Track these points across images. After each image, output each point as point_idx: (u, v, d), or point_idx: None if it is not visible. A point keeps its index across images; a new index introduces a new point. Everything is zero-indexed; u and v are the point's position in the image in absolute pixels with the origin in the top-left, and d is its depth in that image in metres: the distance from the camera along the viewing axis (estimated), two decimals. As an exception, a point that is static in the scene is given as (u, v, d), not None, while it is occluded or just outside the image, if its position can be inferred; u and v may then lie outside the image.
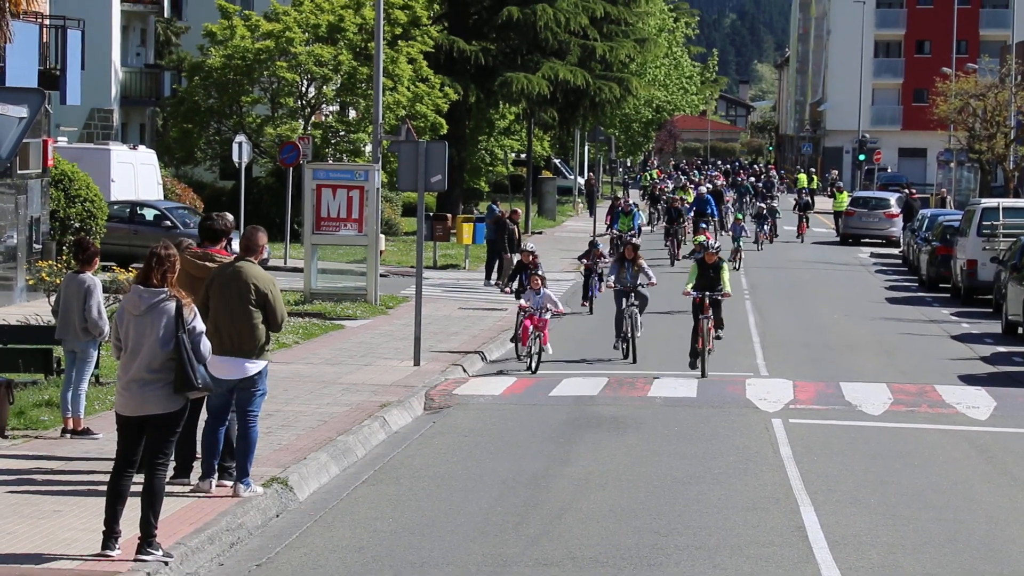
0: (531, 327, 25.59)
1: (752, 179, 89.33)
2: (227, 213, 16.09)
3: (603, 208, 74.38)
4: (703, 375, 24.74)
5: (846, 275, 48.87)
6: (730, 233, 51.02)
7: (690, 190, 66.07)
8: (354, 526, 14.46)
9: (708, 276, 25.96)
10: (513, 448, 18.64)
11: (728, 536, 14.29)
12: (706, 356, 25.15)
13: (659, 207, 67.54)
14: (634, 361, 26.62)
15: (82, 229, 34.20)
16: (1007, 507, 16.08)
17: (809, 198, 68.95)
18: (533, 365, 25.32)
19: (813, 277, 46.85)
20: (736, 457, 18.36)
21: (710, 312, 25.61)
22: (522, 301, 26.66)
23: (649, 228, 53.69)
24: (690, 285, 25.97)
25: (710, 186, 67.82)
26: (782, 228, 63.02)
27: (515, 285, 30.04)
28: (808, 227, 64.03)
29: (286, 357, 25.07)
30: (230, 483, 14.81)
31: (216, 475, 14.84)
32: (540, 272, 27.41)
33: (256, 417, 14.83)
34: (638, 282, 27.53)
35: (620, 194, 62.43)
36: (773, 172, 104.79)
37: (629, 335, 27.07)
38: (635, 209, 47.69)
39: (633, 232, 44.32)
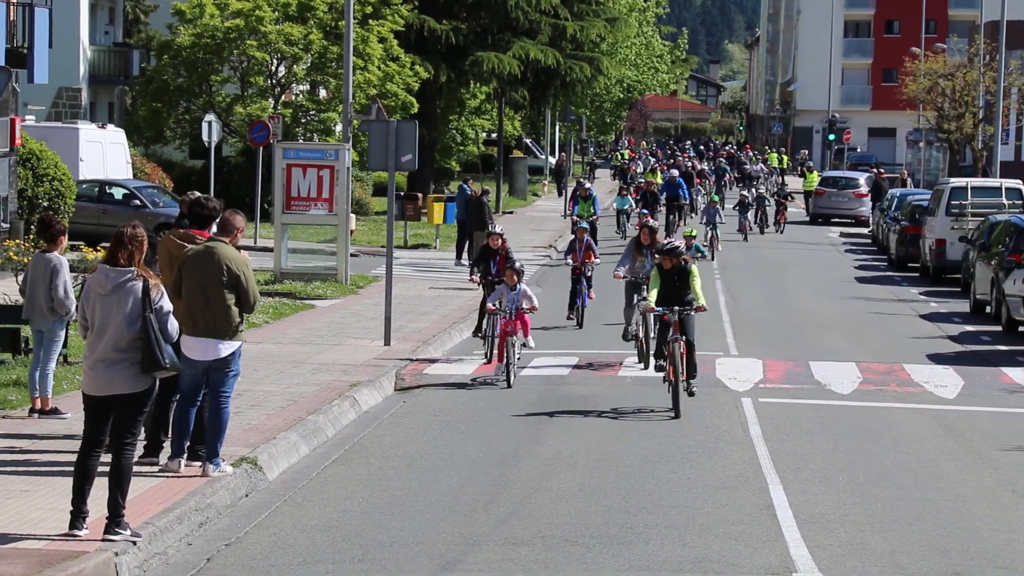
0: (508, 335, 21.94)
1: (724, 160, 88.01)
2: (212, 197, 15.98)
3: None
4: (676, 415, 19.61)
5: (816, 254, 48.98)
6: (703, 218, 48.10)
7: (659, 172, 63.71)
8: (324, 506, 14.45)
9: (673, 285, 20.24)
10: (483, 427, 18.64)
11: (697, 515, 14.32)
12: (680, 391, 19.74)
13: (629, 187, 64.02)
14: (646, 367, 23.02)
15: (50, 208, 34.04)
16: (974, 485, 16.16)
17: (780, 178, 68.43)
18: (511, 379, 21.68)
19: (783, 256, 46.94)
20: (705, 436, 18.40)
21: (680, 333, 20.02)
22: (490, 303, 22.76)
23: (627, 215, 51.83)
24: (652, 297, 20.31)
25: (677, 170, 65.73)
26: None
27: (478, 275, 25.07)
28: (786, 215, 58.16)
29: (256, 337, 25.02)
30: (199, 463, 14.77)
31: (185, 455, 14.81)
32: (516, 264, 23.16)
33: (228, 398, 14.80)
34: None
35: (583, 179, 60.85)
36: (749, 153, 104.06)
37: (643, 337, 23.28)
38: (593, 194, 44.84)
39: (594, 217, 42.74)
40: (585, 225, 29.23)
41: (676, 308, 20.04)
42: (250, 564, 12.43)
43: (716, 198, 48.42)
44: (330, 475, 15.84)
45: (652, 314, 21.43)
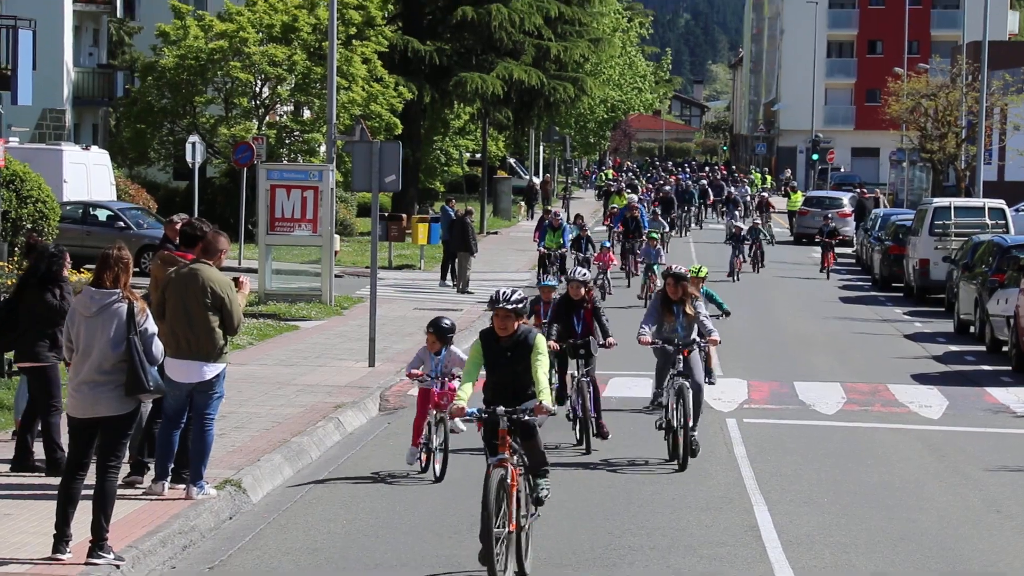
0: (431, 409, 16.86)
1: (705, 182, 78.19)
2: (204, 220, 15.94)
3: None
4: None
5: (800, 274, 49.04)
6: (640, 258, 39.56)
7: (625, 195, 56.03)
8: (308, 528, 14.42)
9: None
10: (466, 448, 18.61)
11: (682, 536, 14.32)
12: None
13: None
14: (682, 468, 17.40)
15: (34, 230, 33.96)
16: (959, 506, 16.17)
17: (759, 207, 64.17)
18: (438, 469, 16.68)
19: (767, 276, 46.98)
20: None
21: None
22: (409, 367, 17.39)
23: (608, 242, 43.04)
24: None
25: (638, 196, 58.30)
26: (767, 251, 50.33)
27: (554, 337, 18.58)
28: (835, 257, 49.01)
29: (240, 358, 24.98)
30: (183, 486, 14.74)
31: (169, 477, 14.77)
32: (444, 323, 17.36)
33: (212, 420, 14.77)
34: (694, 337, 18.31)
35: (553, 207, 53.70)
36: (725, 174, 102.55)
37: (676, 426, 17.60)
38: (564, 223, 40.85)
39: (563, 249, 39.58)
40: (553, 283, 21.51)
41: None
42: (234, 587, 12.39)
43: (655, 235, 40.36)
44: (314, 497, 15.80)
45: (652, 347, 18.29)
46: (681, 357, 17.89)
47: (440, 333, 17.17)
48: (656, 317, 18.36)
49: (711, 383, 21.95)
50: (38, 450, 15.85)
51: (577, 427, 18.90)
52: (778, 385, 24.59)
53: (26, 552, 12.37)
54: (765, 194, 69.35)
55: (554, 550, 13.67)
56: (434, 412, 16.82)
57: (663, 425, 17.90)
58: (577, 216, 43.89)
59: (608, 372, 25.28)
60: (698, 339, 18.22)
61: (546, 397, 12.62)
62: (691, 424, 17.43)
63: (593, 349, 18.82)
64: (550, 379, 15.72)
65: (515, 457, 12.46)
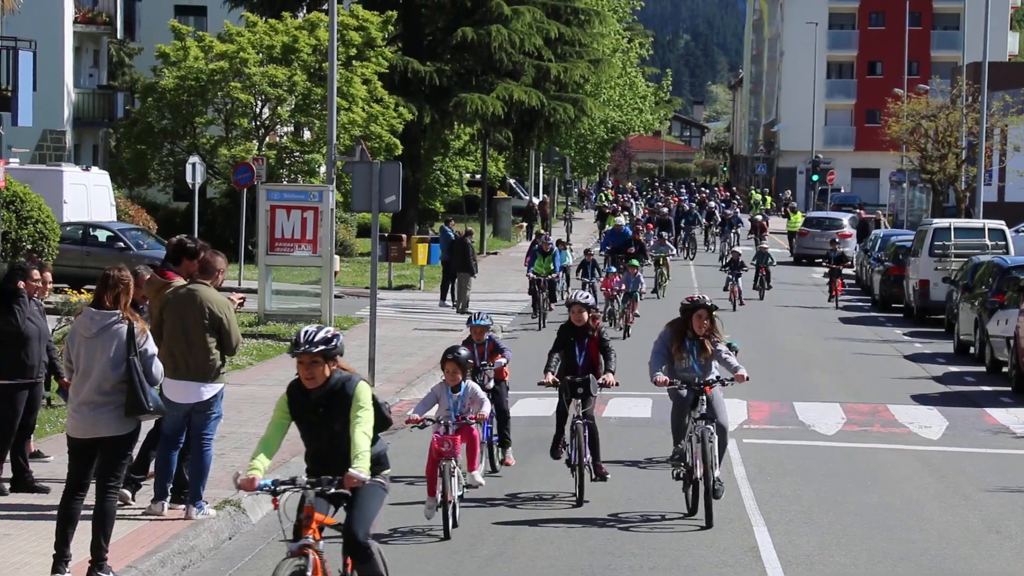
0: (442, 458, 14.94)
1: (695, 204, 77.11)
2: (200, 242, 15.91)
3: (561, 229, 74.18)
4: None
5: (799, 295, 49.04)
6: (618, 290, 36.41)
7: (617, 216, 55.99)
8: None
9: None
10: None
11: (682, 556, 14.30)
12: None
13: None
14: (708, 525, 15.41)
15: (34, 251, 34.00)
16: (959, 526, 16.16)
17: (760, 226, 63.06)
18: (449, 525, 14.87)
19: (766, 297, 46.98)
20: (690, 477, 18.36)
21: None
22: (417, 409, 15.49)
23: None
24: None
25: (631, 215, 57.20)
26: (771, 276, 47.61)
27: (553, 372, 16.78)
28: (844, 285, 47.05)
29: (240, 379, 24.98)
30: (183, 506, 14.73)
31: (168, 498, 14.77)
32: (461, 354, 15.67)
33: (210, 440, 14.77)
34: (714, 377, 15.98)
35: (549, 228, 51.61)
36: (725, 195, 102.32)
37: (697, 477, 15.60)
38: (555, 248, 38.85)
39: (554, 275, 38.01)
40: (486, 322, 18.17)
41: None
42: (233, 608, 12.36)
43: (635, 262, 38.18)
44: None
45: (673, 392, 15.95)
46: (704, 398, 15.66)
47: (461, 363, 15.46)
48: (666, 354, 15.91)
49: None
50: (35, 469, 15.85)
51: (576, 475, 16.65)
52: (778, 405, 24.58)
53: (26, 572, 12.37)
54: (759, 217, 68.90)
55: (554, 569, 13.66)
56: (441, 462, 14.84)
57: (681, 475, 15.88)
58: (559, 241, 41.77)
59: (607, 393, 25.20)
60: (721, 375, 15.99)
61: (361, 463, 9.93)
62: (714, 469, 15.47)
63: (593, 389, 16.68)
64: (559, 425, 15.66)
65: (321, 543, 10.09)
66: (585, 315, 16.64)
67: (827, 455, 20.42)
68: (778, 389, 27.04)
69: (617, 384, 16.72)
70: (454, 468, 14.99)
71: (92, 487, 12.47)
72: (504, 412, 18.13)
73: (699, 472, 15.42)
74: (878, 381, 28.83)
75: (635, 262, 38.13)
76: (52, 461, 16.95)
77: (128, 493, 14.93)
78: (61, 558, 12.20)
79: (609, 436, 21.29)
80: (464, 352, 15.68)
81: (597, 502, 16.77)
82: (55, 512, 12.48)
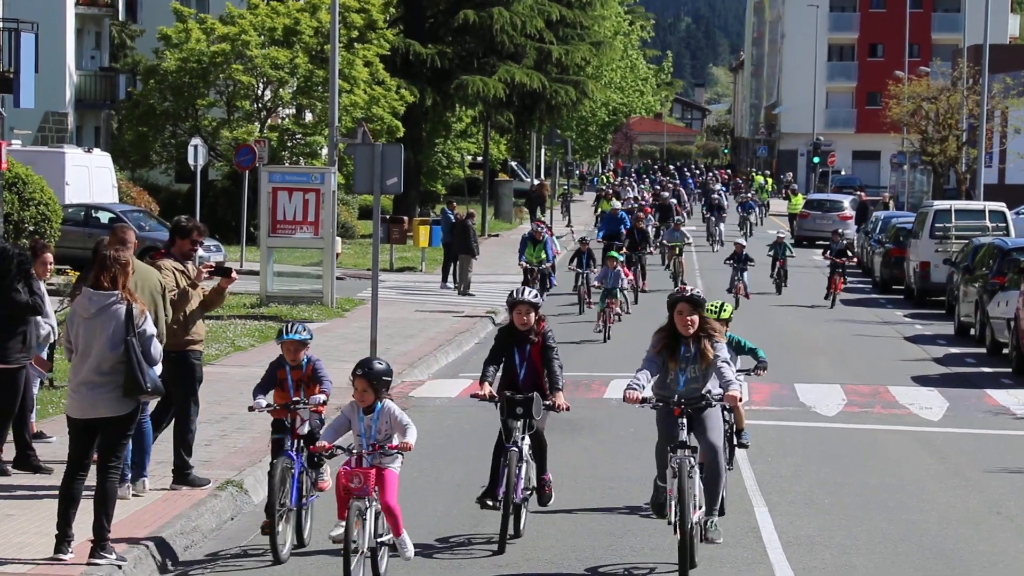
0: (351, 495, 11.86)
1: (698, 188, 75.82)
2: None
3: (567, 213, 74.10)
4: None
5: (800, 277, 49.04)
6: (596, 284, 32.66)
7: (611, 200, 54.09)
8: (309, 528, 14.41)
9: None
10: (469, 451, 18.63)
11: (682, 537, 14.31)
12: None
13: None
14: (690, 565, 12.61)
15: (36, 232, 34.03)
16: (959, 507, 16.20)
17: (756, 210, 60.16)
18: None
19: (767, 278, 46.96)
20: (691, 458, 18.39)
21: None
22: (323, 439, 12.38)
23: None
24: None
25: (629, 201, 55.63)
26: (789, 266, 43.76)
27: (490, 383, 13.83)
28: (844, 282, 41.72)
29: (242, 360, 25.00)
30: (185, 487, 14.81)
31: (130, 476, 14.59)
32: (378, 366, 12.34)
33: (147, 417, 14.61)
34: (705, 391, 13.06)
35: (541, 219, 48.16)
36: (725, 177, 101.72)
37: (673, 521, 12.61)
38: (547, 236, 37.05)
39: (546, 264, 36.21)
40: (304, 336, 13.73)
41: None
42: (236, 587, 12.40)
43: (615, 254, 33.36)
44: (316, 496, 15.77)
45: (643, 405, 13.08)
46: (682, 421, 12.78)
47: (373, 378, 12.02)
48: (657, 364, 13.00)
49: (745, 445, 16.23)
50: (38, 449, 15.89)
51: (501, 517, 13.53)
52: (779, 387, 24.61)
53: (28, 552, 12.40)
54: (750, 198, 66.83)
55: (555, 551, 13.70)
56: (352, 502, 11.72)
57: (657, 511, 13.37)
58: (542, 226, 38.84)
59: (608, 374, 25.29)
60: (711, 395, 12.97)
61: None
62: (705, 510, 12.90)
63: (536, 411, 13.65)
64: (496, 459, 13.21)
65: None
66: (531, 317, 13.67)
67: (828, 436, 20.45)
68: (779, 370, 27.03)
69: (568, 408, 13.85)
70: (366, 510, 11.72)
71: (94, 468, 12.51)
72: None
73: (673, 515, 12.46)
74: (879, 362, 28.86)
75: (614, 254, 33.30)
76: (55, 442, 16.99)
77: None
78: (63, 538, 12.22)
79: (610, 417, 21.35)
80: (381, 366, 12.20)
81: (595, 482, 16.81)
82: (57, 493, 12.51)
